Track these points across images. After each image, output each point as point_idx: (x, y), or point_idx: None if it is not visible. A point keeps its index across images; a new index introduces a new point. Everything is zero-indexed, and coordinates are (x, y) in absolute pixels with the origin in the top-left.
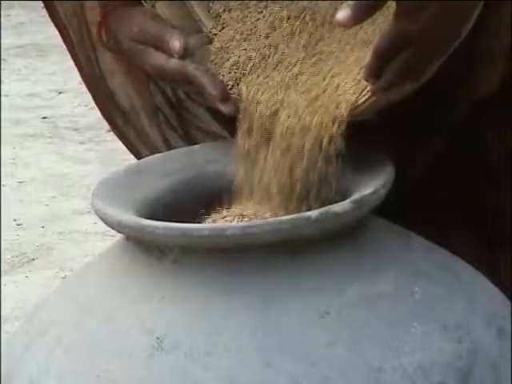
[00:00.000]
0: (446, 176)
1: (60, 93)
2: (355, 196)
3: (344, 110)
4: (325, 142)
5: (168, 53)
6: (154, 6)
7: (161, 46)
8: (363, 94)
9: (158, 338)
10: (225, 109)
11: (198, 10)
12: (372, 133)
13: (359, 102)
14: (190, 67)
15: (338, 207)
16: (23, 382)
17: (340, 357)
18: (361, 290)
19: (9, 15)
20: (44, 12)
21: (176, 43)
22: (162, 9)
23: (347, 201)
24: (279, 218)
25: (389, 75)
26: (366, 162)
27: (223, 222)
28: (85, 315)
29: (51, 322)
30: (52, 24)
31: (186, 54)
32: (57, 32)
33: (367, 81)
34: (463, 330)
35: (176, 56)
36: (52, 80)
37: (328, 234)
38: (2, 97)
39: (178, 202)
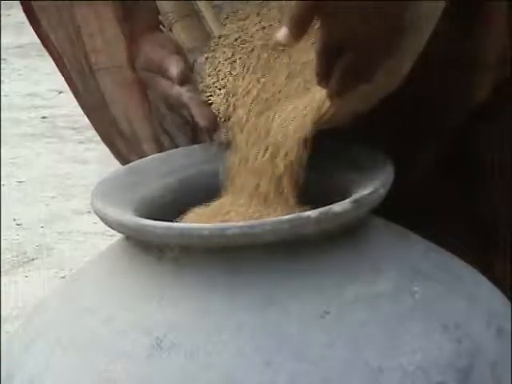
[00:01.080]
0: (444, 181)
1: (60, 92)
2: (355, 196)
3: (309, 120)
4: (295, 149)
5: (170, 80)
6: (170, 30)
7: (164, 74)
8: (325, 103)
9: (157, 338)
10: (215, 138)
11: (216, 30)
12: (371, 137)
13: (322, 111)
14: (185, 95)
15: (337, 207)
16: (23, 382)
17: (340, 357)
18: (360, 290)
19: (9, 15)
20: None
21: (173, 70)
22: (178, 33)
23: (347, 201)
24: (279, 218)
25: (335, 77)
26: (365, 162)
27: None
28: (85, 315)
29: (51, 321)
30: None
31: (184, 80)
32: None
33: (320, 86)
34: (463, 330)
35: (175, 82)
36: (52, 80)
37: (328, 234)
38: (1, 97)
39: (176, 202)
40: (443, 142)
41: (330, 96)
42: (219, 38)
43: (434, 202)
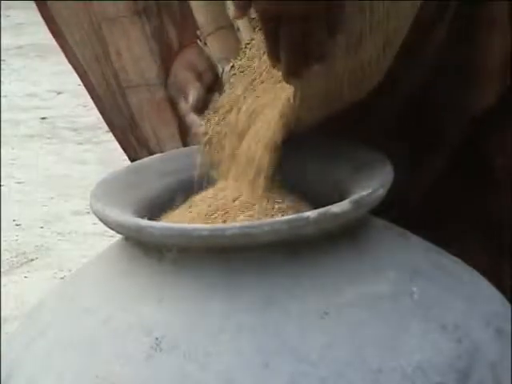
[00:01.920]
0: (453, 182)
1: (59, 93)
2: (354, 196)
3: (277, 115)
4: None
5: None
6: (206, 44)
7: (185, 97)
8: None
9: (156, 339)
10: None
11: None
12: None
13: (290, 106)
14: (196, 125)
15: (336, 207)
16: (23, 382)
17: (339, 357)
18: (360, 291)
19: (8, 16)
20: None
21: (190, 97)
22: (212, 45)
23: (346, 201)
24: (278, 219)
25: (283, 55)
26: (364, 162)
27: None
28: (84, 315)
29: (50, 322)
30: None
31: (199, 108)
32: None
33: (275, 68)
34: (462, 331)
35: (190, 110)
36: (51, 80)
37: (327, 235)
38: (1, 97)
39: (176, 202)
40: (451, 146)
41: (285, 77)
42: (245, 46)
43: (442, 202)
